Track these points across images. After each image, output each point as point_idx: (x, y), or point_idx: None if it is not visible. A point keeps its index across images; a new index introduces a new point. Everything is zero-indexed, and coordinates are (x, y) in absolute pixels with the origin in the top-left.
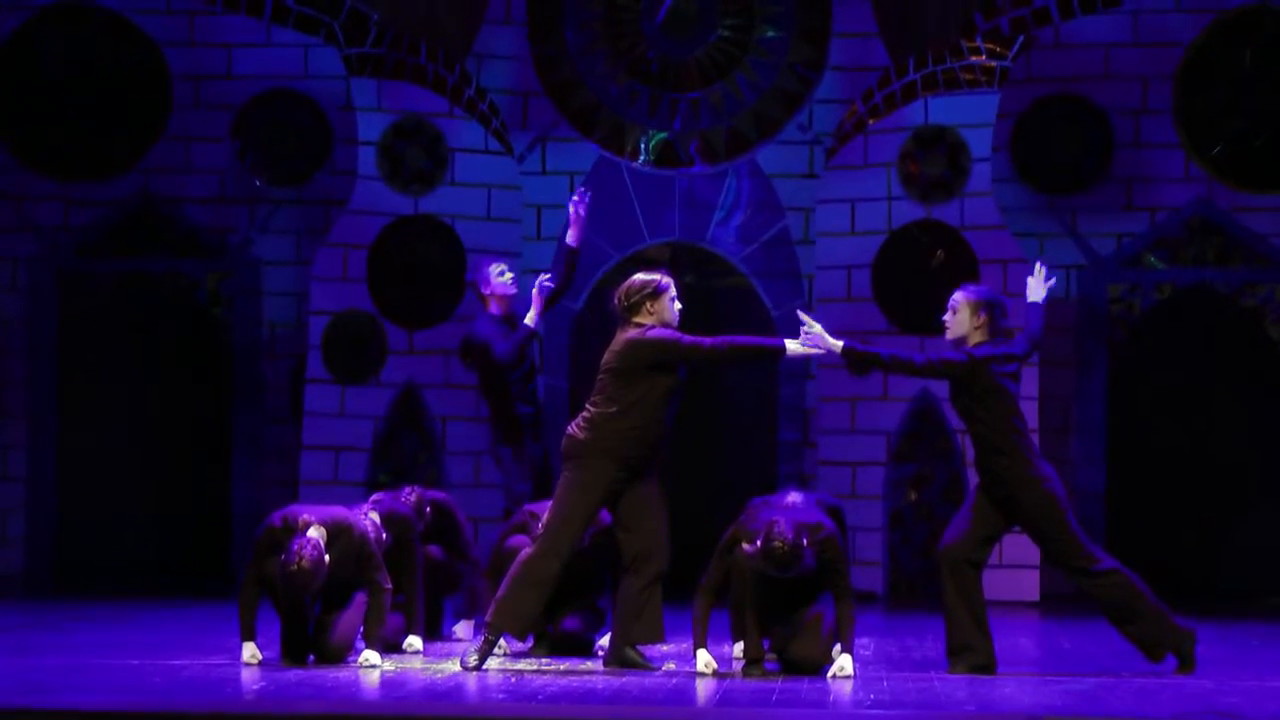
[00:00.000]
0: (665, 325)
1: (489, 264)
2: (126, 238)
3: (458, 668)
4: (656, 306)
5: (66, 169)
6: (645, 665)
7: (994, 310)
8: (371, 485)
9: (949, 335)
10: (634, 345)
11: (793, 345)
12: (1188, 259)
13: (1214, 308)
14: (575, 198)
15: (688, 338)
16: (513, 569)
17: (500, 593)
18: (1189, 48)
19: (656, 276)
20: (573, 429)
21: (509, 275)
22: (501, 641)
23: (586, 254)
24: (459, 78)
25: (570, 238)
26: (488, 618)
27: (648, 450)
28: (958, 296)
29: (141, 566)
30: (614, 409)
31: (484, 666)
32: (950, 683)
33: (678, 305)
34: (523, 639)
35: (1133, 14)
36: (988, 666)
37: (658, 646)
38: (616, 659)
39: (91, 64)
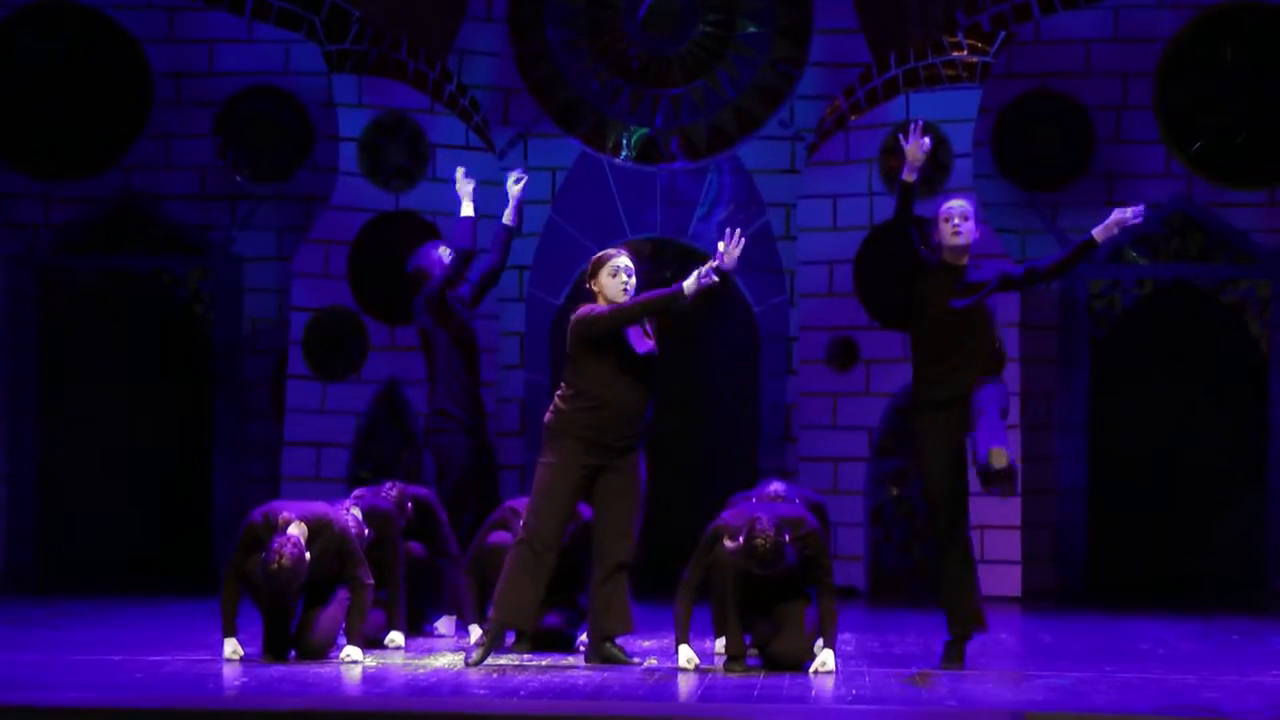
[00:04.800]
0: (610, 299)
1: (434, 249)
2: (107, 235)
3: (439, 663)
4: (598, 282)
5: (47, 166)
6: (626, 660)
7: None
8: (353, 481)
9: (961, 241)
10: (571, 324)
11: (689, 284)
12: (1168, 255)
13: (1195, 303)
14: (517, 176)
15: (601, 308)
16: (505, 563)
17: (498, 588)
18: (1169, 43)
19: (604, 251)
20: (545, 415)
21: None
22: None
23: (568, 250)
24: (440, 74)
25: (508, 217)
26: (491, 614)
27: (611, 429)
28: (965, 205)
29: (123, 563)
30: (570, 390)
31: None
32: (932, 679)
33: (622, 278)
34: (529, 630)
35: (1113, 10)
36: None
37: (640, 642)
38: (597, 655)
39: (72, 61)
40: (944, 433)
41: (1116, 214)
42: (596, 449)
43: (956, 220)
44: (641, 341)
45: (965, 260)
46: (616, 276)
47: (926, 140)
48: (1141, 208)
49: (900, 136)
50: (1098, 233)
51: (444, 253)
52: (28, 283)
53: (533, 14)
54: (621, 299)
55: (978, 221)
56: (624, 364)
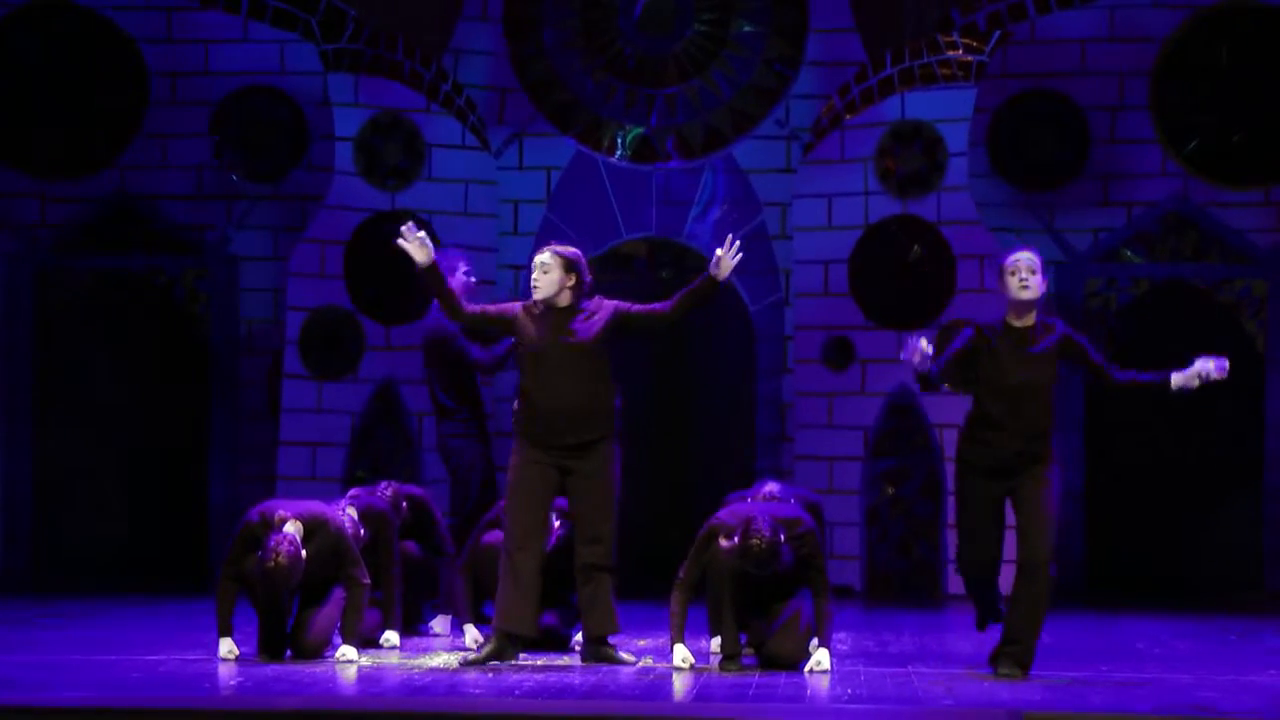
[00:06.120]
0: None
1: (460, 259)
2: (104, 234)
3: (435, 663)
4: None
5: (44, 166)
6: (620, 660)
7: None
8: (349, 481)
9: (1029, 295)
10: None
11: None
12: (1164, 254)
13: (1191, 303)
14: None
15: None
16: (500, 570)
17: (499, 595)
18: (1165, 43)
19: None
20: None
21: (472, 278)
22: (477, 635)
23: None
24: (436, 73)
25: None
26: (495, 621)
27: (556, 426)
28: (1032, 258)
29: (118, 563)
30: (519, 391)
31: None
32: (927, 678)
33: (539, 273)
34: (533, 634)
35: (1109, 9)
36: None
37: (635, 641)
38: (592, 655)
39: (69, 60)
40: (985, 497)
41: (1200, 365)
42: (550, 449)
43: (1024, 274)
44: (569, 335)
45: (1033, 318)
46: (533, 271)
47: (923, 344)
48: (1225, 364)
49: (901, 355)
50: (1176, 379)
51: (464, 272)
52: (24, 282)
53: (528, 13)
54: (535, 293)
55: (1044, 274)
56: (552, 360)
